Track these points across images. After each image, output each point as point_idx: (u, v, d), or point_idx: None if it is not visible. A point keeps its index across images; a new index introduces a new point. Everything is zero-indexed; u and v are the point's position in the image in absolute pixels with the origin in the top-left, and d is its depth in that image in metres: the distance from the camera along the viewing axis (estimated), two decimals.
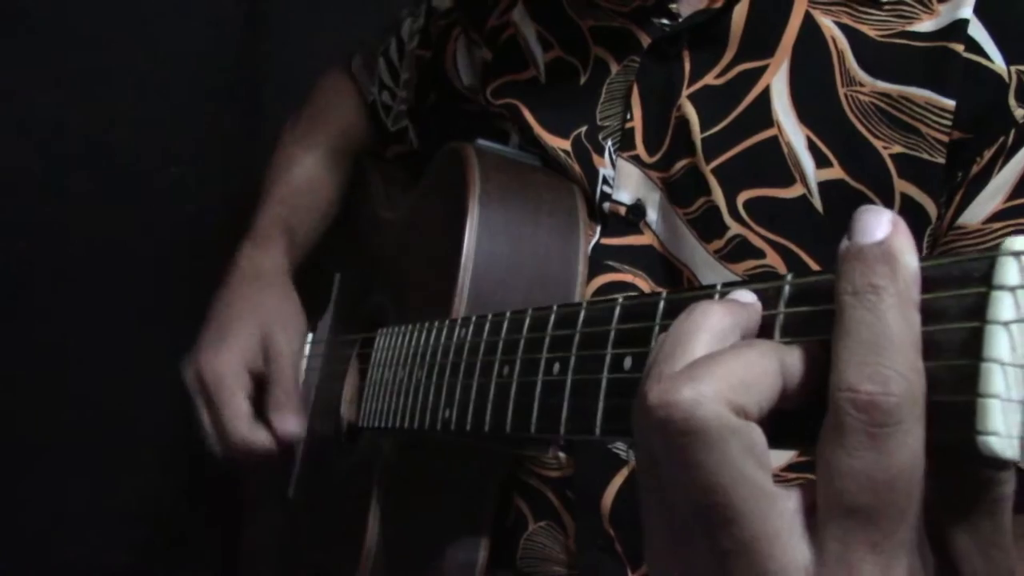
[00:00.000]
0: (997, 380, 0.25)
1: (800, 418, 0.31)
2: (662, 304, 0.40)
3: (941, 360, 0.26)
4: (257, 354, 0.84)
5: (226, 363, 0.82)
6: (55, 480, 1.22)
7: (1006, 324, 0.25)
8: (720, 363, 0.31)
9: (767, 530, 0.30)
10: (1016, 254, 0.25)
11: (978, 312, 0.26)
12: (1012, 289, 0.25)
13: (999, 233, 0.60)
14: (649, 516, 0.34)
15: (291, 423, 0.81)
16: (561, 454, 0.70)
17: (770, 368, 0.31)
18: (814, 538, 0.30)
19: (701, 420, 0.29)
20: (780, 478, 0.37)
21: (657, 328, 0.40)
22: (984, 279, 0.26)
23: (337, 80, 1.06)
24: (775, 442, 0.31)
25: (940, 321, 0.27)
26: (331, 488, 0.85)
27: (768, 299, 0.34)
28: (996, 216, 0.60)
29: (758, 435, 0.30)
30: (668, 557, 0.33)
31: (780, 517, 0.30)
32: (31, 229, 1.14)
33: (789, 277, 0.34)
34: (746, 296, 0.35)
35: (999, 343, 0.25)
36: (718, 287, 0.37)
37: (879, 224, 0.29)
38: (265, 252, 0.93)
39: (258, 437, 0.81)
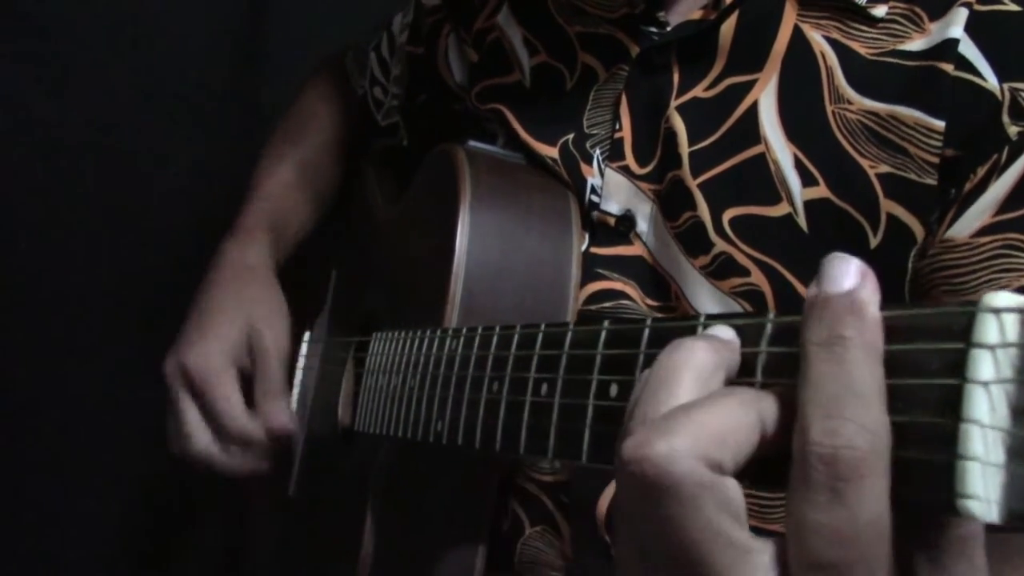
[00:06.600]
0: (976, 442, 0.24)
1: (779, 464, 0.30)
2: (647, 332, 0.39)
3: (917, 416, 0.26)
4: (242, 349, 0.81)
5: (213, 355, 0.79)
6: (54, 480, 1.23)
7: (985, 384, 0.24)
8: (697, 415, 0.30)
9: None
10: (996, 311, 0.25)
11: (957, 369, 0.25)
12: (991, 348, 0.24)
13: (987, 247, 0.59)
14: (623, 548, 0.34)
15: (283, 415, 0.78)
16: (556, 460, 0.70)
17: (747, 419, 0.31)
18: None
19: (674, 476, 0.29)
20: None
21: (642, 357, 0.39)
22: (963, 335, 0.25)
23: (327, 76, 1.05)
24: (754, 488, 0.31)
25: (917, 375, 0.26)
26: (330, 490, 0.85)
27: (749, 336, 0.33)
28: (984, 230, 0.59)
29: (734, 490, 0.30)
30: None
31: (755, 570, 0.30)
32: (31, 229, 1.14)
33: (771, 315, 0.33)
34: (726, 333, 0.34)
35: (978, 404, 0.25)
36: (702, 319, 0.36)
37: (847, 273, 0.29)
38: (249, 247, 0.89)
39: (256, 428, 0.78)
